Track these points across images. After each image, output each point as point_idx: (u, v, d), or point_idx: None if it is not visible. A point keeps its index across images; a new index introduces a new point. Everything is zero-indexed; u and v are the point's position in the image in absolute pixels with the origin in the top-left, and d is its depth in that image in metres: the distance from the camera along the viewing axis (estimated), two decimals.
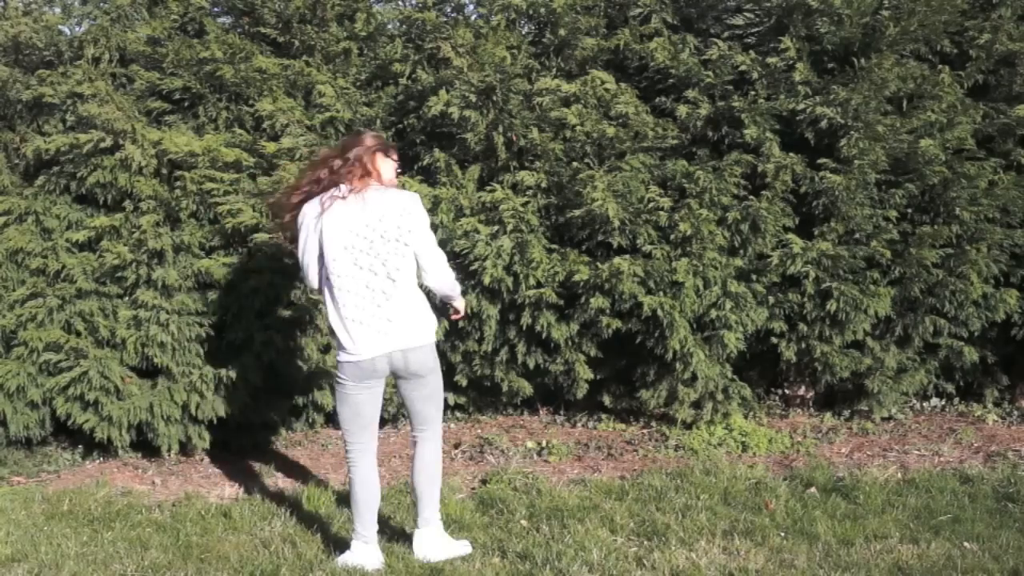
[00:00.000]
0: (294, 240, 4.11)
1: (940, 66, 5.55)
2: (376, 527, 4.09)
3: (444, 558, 4.05)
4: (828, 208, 5.51)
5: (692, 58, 5.62)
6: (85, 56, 5.64)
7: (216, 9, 6.05)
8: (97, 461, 5.68)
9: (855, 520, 4.35)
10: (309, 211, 3.97)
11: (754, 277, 5.56)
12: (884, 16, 5.44)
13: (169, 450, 5.50)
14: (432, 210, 5.33)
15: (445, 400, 4.63)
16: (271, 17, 5.82)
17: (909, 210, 5.62)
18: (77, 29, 5.95)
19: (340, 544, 4.25)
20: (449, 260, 4.28)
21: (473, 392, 5.94)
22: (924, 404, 6.09)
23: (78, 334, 5.42)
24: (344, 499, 4.85)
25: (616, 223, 5.42)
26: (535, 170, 5.55)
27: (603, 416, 6.05)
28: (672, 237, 5.51)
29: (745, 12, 5.77)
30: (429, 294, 4.14)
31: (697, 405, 5.71)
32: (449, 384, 5.30)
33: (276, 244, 5.42)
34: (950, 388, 6.05)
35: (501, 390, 5.87)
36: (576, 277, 5.47)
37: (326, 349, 5.60)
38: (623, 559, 4.02)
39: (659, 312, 5.41)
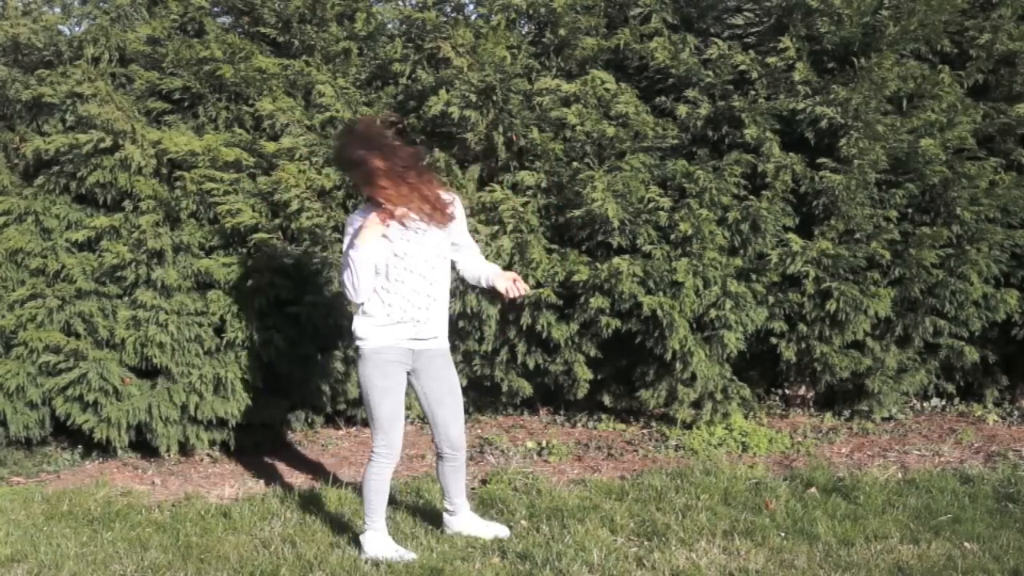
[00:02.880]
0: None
1: (940, 66, 5.55)
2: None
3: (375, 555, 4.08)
4: (828, 208, 5.51)
5: (692, 58, 5.62)
6: (85, 56, 5.64)
7: (216, 9, 6.04)
8: (97, 461, 5.68)
9: (855, 520, 4.35)
10: None
11: (754, 277, 5.55)
12: (884, 16, 5.44)
13: (168, 450, 5.49)
14: None
15: None
16: (271, 17, 5.81)
17: (909, 210, 5.62)
18: (77, 29, 5.94)
19: (340, 544, 4.25)
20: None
21: (473, 392, 5.94)
22: (924, 404, 6.09)
23: (77, 335, 5.42)
24: (343, 498, 4.85)
25: (616, 223, 5.42)
26: (535, 170, 5.54)
27: (603, 416, 6.05)
28: (672, 237, 5.51)
29: (745, 12, 5.77)
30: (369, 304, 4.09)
31: (697, 405, 5.71)
32: None
33: (276, 244, 5.43)
34: (950, 388, 6.05)
35: (501, 390, 5.87)
36: (576, 277, 5.46)
37: (324, 349, 5.59)
38: (623, 559, 4.02)
39: (659, 312, 5.41)
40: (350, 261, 3.97)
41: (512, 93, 5.50)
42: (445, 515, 4.36)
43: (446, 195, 4.13)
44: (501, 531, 4.32)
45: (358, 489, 5.01)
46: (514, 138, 5.54)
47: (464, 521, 4.33)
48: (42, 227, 5.57)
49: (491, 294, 5.58)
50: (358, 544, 4.17)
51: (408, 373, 4.13)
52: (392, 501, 4.81)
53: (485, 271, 4.28)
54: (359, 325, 4.07)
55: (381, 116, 4.28)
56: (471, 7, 6.11)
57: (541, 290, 5.50)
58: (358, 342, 4.08)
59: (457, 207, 4.16)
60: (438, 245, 4.08)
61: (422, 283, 4.03)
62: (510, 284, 4.21)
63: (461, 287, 5.30)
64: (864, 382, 5.76)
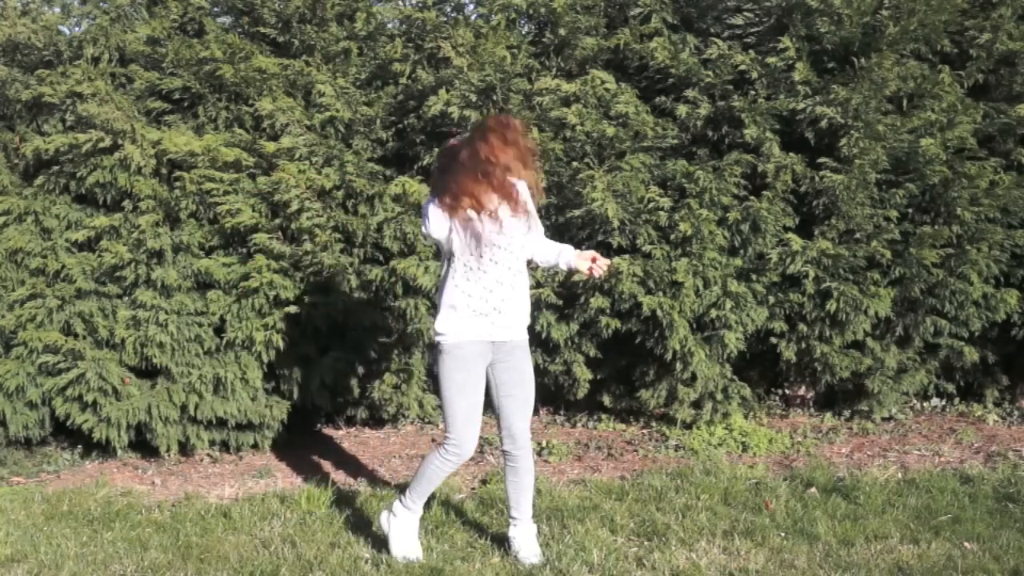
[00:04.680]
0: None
1: (940, 66, 5.55)
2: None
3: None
4: (828, 208, 5.51)
5: (692, 58, 5.62)
6: (84, 56, 5.64)
7: (216, 9, 6.04)
8: (97, 461, 5.68)
9: (855, 520, 4.35)
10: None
11: (754, 277, 5.55)
12: (884, 16, 5.43)
13: (168, 450, 5.49)
14: None
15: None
16: (271, 17, 5.81)
17: (909, 210, 5.62)
18: (76, 29, 5.95)
19: (340, 544, 4.25)
20: None
21: None
22: (924, 404, 6.09)
23: (76, 335, 5.41)
24: (343, 498, 4.85)
25: (616, 223, 5.42)
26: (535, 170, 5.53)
27: (603, 416, 6.05)
28: (672, 237, 5.51)
29: (745, 12, 5.76)
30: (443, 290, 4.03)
31: (697, 405, 5.71)
32: None
33: (275, 243, 5.42)
34: (950, 388, 6.05)
35: None
36: (576, 277, 5.46)
37: (325, 349, 5.59)
38: (623, 559, 4.02)
39: (659, 312, 5.41)
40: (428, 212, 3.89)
41: (512, 93, 5.50)
42: (510, 521, 4.13)
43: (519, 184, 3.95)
44: (537, 558, 4.04)
45: (355, 489, 5.02)
46: None
47: (519, 533, 4.09)
48: (42, 227, 5.57)
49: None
50: (389, 510, 4.14)
51: (488, 366, 4.00)
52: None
53: (564, 253, 4.07)
54: (441, 320, 3.94)
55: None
56: (471, 7, 6.12)
57: (541, 290, 5.51)
58: (438, 338, 3.95)
59: (523, 189, 3.96)
60: (522, 234, 3.94)
61: (507, 274, 3.90)
62: (593, 265, 4.00)
63: None
64: (864, 382, 5.76)
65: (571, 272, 4.30)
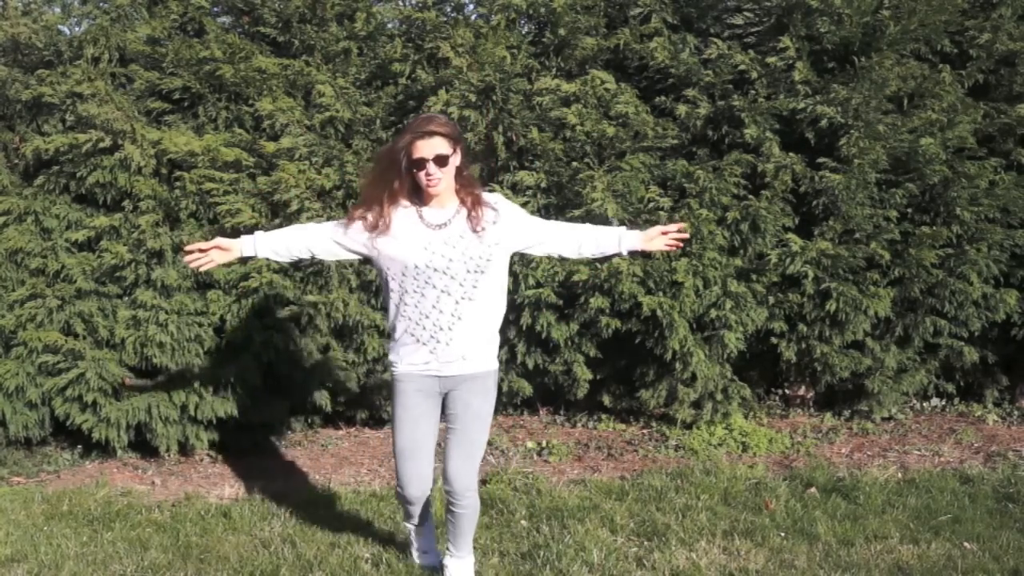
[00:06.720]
0: None
1: (940, 65, 5.56)
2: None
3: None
4: (828, 207, 5.51)
5: (692, 57, 5.62)
6: (84, 56, 5.64)
7: (216, 9, 6.04)
8: (97, 461, 5.67)
9: (855, 520, 4.35)
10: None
11: (754, 277, 5.56)
12: (884, 15, 5.44)
13: (168, 450, 5.49)
14: None
15: None
16: (271, 17, 5.81)
17: (909, 210, 5.62)
18: (76, 29, 5.94)
19: (340, 544, 4.26)
20: None
21: None
22: (924, 404, 6.09)
23: (76, 335, 5.41)
24: (343, 498, 4.85)
25: (616, 223, 5.42)
26: (535, 170, 5.54)
27: (603, 416, 6.05)
28: None
29: (745, 12, 5.77)
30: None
31: (697, 405, 5.71)
32: None
33: None
34: (950, 388, 6.05)
35: (501, 390, 5.87)
36: (576, 277, 5.47)
37: (325, 349, 5.59)
38: (623, 559, 4.02)
39: (658, 312, 5.41)
40: None
41: (512, 93, 5.50)
42: (446, 550, 3.84)
43: (487, 196, 3.61)
44: None
45: (355, 489, 5.02)
46: (514, 138, 5.55)
47: (452, 564, 3.79)
48: (42, 227, 5.57)
49: None
50: None
51: (445, 397, 3.64)
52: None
53: (625, 239, 3.65)
54: (390, 347, 3.66)
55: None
56: (471, 7, 6.12)
57: (541, 290, 5.51)
58: (390, 366, 3.67)
59: (500, 211, 3.58)
60: (472, 258, 3.50)
61: (446, 300, 3.50)
62: (669, 241, 3.65)
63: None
64: (864, 382, 5.76)
65: (641, 254, 3.92)
